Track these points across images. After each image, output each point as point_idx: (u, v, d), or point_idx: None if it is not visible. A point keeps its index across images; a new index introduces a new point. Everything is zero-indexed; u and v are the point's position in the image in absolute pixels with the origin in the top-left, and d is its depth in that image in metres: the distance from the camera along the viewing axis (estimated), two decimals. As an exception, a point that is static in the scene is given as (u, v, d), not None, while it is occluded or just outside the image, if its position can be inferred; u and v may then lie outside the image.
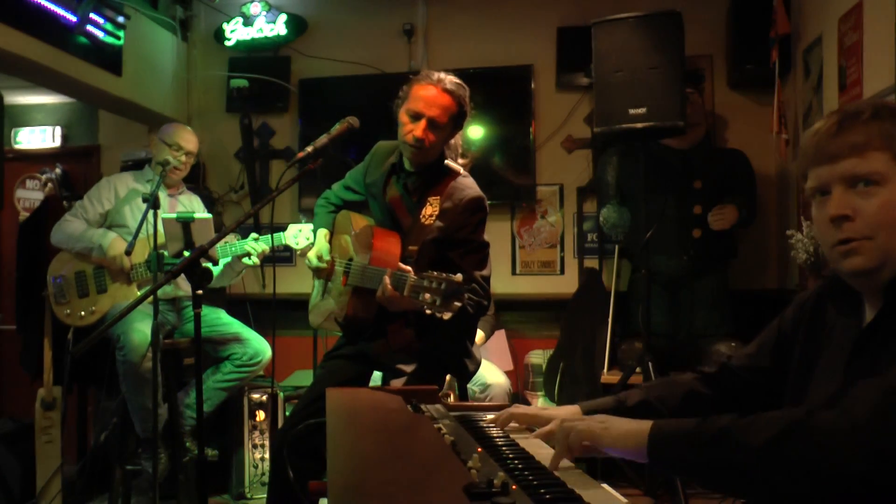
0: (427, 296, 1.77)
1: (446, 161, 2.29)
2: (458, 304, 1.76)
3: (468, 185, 2.26)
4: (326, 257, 2.38)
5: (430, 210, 2.21)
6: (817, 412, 1.01)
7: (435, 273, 1.81)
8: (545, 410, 1.46)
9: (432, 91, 2.17)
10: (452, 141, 2.32)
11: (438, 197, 2.21)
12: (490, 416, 1.60)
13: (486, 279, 2.22)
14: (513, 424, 1.47)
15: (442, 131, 2.20)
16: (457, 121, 2.24)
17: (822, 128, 1.17)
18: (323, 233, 2.47)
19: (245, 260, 3.25)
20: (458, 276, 1.79)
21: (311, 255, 2.40)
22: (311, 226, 3.17)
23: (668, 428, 1.12)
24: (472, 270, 2.17)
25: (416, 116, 2.17)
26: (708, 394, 1.42)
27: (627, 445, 1.13)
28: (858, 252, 1.13)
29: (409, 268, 1.96)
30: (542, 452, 1.30)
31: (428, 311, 1.79)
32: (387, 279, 1.96)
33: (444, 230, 2.20)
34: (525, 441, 1.37)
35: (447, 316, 1.78)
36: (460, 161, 2.34)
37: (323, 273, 2.40)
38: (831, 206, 1.15)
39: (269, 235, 3.14)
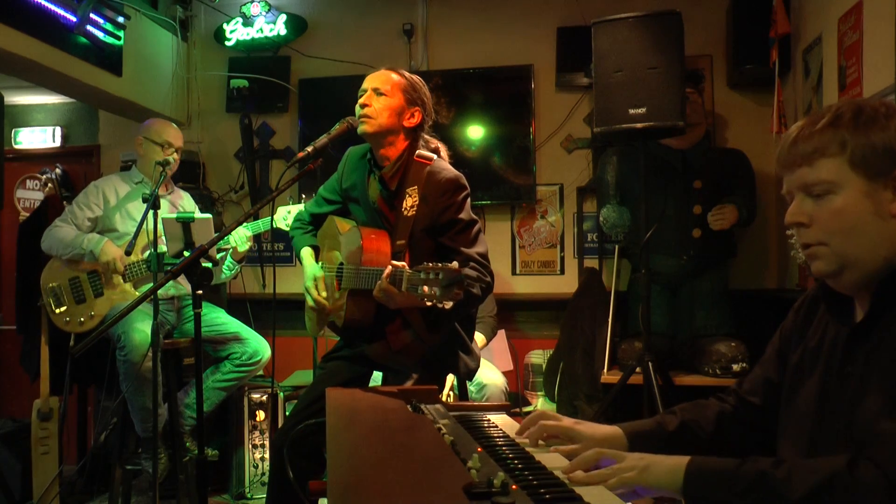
0: (425, 288, 1.76)
1: (418, 151, 2.29)
2: (458, 291, 1.75)
3: (443, 168, 2.27)
4: (322, 292, 2.34)
5: (411, 201, 2.21)
6: (858, 466, 1.00)
7: (430, 264, 1.79)
8: (579, 425, 1.39)
9: (374, 72, 2.34)
10: (421, 139, 2.33)
11: (416, 187, 2.22)
12: (493, 419, 1.59)
13: (484, 255, 2.21)
14: (541, 443, 1.39)
15: (387, 98, 2.26)
16: (407, 94, 2.28)
17: (786, 136, 1.20)
18: (307, 252, 2.45)
19: (229, 262, 3.31)
20: (454, 264, 1.77)
21: (308, 283, 2.35)
22: (300, 206, 3.20)
23: (705, 466, 1.12)
24: (466, 250, 2.17)
25: (361, 93, 2.30)
26: (738, 419, 1.41)
27: (666, 484, 1.13)
28: (817, 257, 1.17)
29: (403, 263, 1.95)
30: (543, 454, 1.30)
31: (429, 304, 1.77)
32: (385, 277, 1.95)
33: (429, 216, 2.20)
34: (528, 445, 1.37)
35: (449, 305, 1.76)
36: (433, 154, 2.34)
37: (321, 308, 2.35)
38: (787, 213, 1.20)
39: (258, 221, 3.14)
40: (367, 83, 2.30)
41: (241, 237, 3.25)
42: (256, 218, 4.55)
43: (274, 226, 3.22)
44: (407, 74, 2.33)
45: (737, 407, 1.41)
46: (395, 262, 1.96)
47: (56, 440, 3.52)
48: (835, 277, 1.17)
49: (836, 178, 1.13)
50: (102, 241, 3.26)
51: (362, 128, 2.24)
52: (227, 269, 3.50)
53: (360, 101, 2.27)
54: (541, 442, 1.38)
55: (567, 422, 1.40)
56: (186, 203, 3.59)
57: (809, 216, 1.17)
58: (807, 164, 1.16)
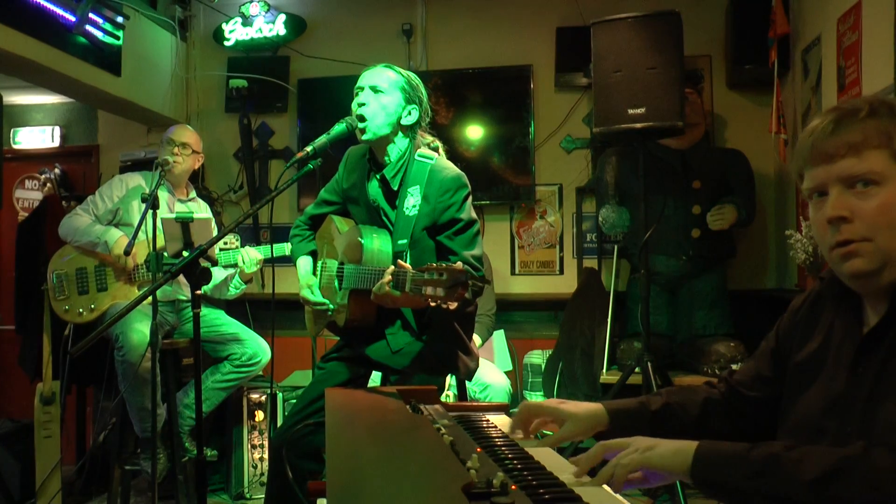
0: (429, 289, 1.75)
1: (419, 150, 2.28)
2: (462, 291, 1.73)
3: (445, 166, 2.25)
4: (318, 296, 2.33)
5: (412, 201, 2.20)
6: (873, 450, 0.98)
7: (434, 265, 1.78)
8: (563, 404, 1.40)
9: (371, 69, 2.29)
10: (419, 137, 2.32)
11: (417, 186, 2.21)
12: (492, 419, 1.59)
13: (478, 258, 2.20)
14: (518, 434, 1.41)
15: (385, 96, 2.22)
16: (406, 92, 2.25)
17: (819, 126, 1.14)
18: (303, 261, 2.44)
19: (236, 281, 3.34)
20: (458, 265, 1.76)
21: (303, 292, 2.35)
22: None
23: (714, 449, 1.09)
24: (463, 252, 2.17)
25: (358, 90, 2.25)
26: (725, 406, 1.40)
27: (671, 465, 1.10)
28: (858, 254, 1.10)
29: (406, 264, 1.94)
30: (542, 453, 1.30)
31: (433, 304, 1.76)
32: (387, 277, 1.94)
33: (430, 215, 2.19)
34: (529, 446, 1.37)
35: (454, 306, 1.75)
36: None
37: (321, 312, 2.34)
38: (829, 207, 1.12)
39: (270, 246, 3.14)
40: (364, 80, 2.25)
41: (251, 260, 3.27)
42: (256, 219, 4.57)
43: (286, 253, 3.22)
44: (403, 71, 2.30)
45: (725, 394, 1.40)
46: (401, 262, 1.95)
47: (58, 425, 3.52)
48: (871, 277, 1.11)
49: (884, 169, 1.08)
50: (118, 234, 3.28)
51: (361, 137, 2.21)
52: (234, 287, 3.51)
53: (357, 99, 2.23)
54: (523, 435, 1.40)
55: (551, 402, 1.42)
56: (203, 212, 3.58)
57: (851, 210, 1.10)
58: (853, 155, 1.09)
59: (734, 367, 3.45)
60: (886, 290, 1.12)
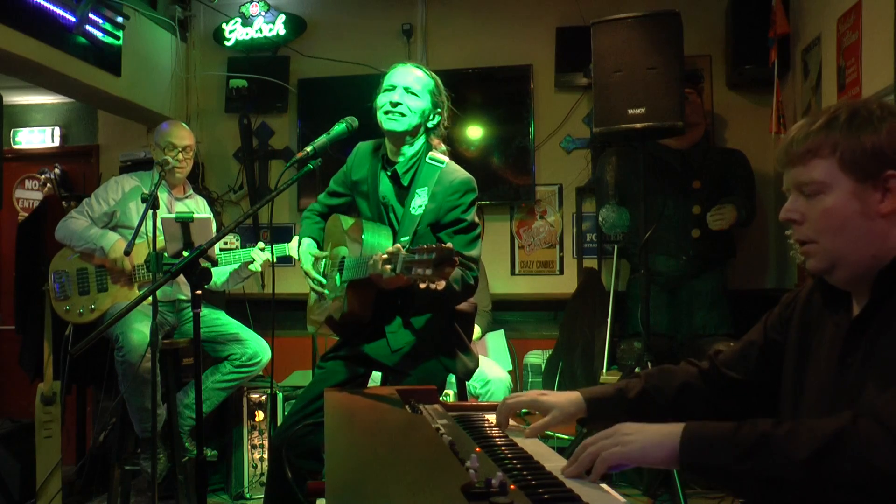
0: (419, 269, 1.76)
1: (431, 153, 2.29)
2: (450, 269, 1.75)
3: (455, 170, 2.28)
4: (316, 252, 2.33)
5: (420, 201, 2.23)
6: (860, 422, 0.99)
7: (424, 245, 1.80)
8: (543, 395, 1.46)
9: (403, 67, 2.30)
10: (434, 141, 2.33)
11: (426, 187, 2.23)
12: (491, 419, 1.60)
13: (473, 259, 2.22)
14: (512, 423, 1.47)
15: (418, 99, 2.25)
16: (433, 97, 2.28)
17: (787, 134, 1.25)
18: (306, 240, 2.43)
19: (251, 266, 3.32)
20: (449, 245, 1.77)
21: (304, 263, 2.34)
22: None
23: (701, 432, 1.09)
24: (460, 250, 2.17)
25: (390, 88, 2.27)
26: (702, 387, 1.45)
27: (654, 457, 1.10)
28: (810, 255, 1.21)
29: (399, 245, 1.94)
30: (541, 452, 1.30)
31: (422, 286, 1.78)
32: (381, 256, 1.94)
33: (435, 213, 2.22)
34: (524, 440, 1.37)
35: (442, 285, 1.76)
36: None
37: (318, 284, 2.35)
38: (782, 209, 1.24)
39: (272, 246, 3.14)
40: (399, 79, 2.26)
41: (264, 260, 3.29)
42: (256, 219, 4.57)
43: (287, 253, 3.22)
44: (433, 74, 2.32)
45: (708, 372, 1.45)
46: (397, 245, 1.94)
47: (58, 425, 3.52)
48: (828, 274, 1.21)
49: (826, 178, 1.17)
50: (112, 237, 3.27)
51: (391, 125, 2.22)
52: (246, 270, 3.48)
53: (392, 97, 2.23)
54: (512, 422, 1.46)
55: (531, 393, 1.48)
56: (202, 209, 3.58)
57: (802, 214, 1.21)
58: (801, 164, 1.20)
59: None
60: (869, 281, 1.17)
